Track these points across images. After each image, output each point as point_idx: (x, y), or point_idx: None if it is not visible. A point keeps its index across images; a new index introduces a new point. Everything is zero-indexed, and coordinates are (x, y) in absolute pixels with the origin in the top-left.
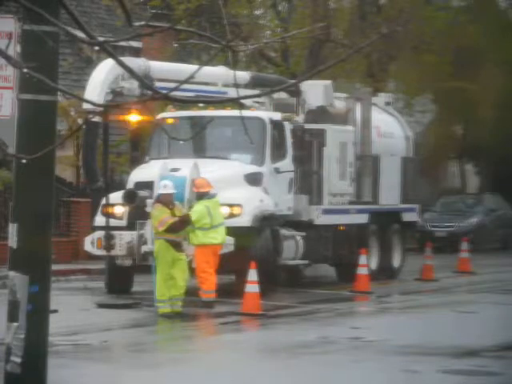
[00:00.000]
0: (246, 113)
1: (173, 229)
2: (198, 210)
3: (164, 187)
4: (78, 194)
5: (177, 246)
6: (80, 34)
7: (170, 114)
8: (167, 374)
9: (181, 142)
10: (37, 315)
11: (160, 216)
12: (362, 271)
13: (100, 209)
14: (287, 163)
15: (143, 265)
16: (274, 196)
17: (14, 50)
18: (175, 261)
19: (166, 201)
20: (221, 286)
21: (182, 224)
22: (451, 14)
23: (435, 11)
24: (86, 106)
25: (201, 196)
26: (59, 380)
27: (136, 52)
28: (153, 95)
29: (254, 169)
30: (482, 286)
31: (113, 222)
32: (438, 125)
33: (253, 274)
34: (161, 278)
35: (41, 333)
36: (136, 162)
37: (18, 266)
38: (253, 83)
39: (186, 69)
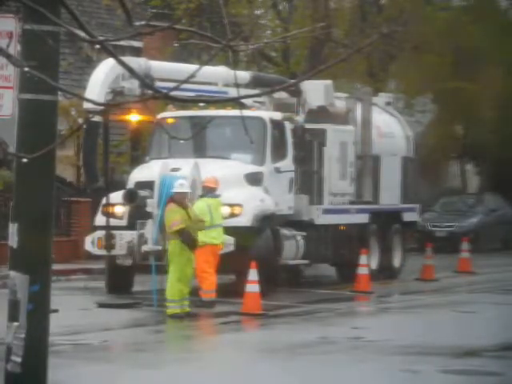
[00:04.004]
0: (246, 112)
1: (181, 235)
2: (199, 207)
3: (179, 186)
4: (79, 194)
5: (191, 247)
6: (81, 34)
7: (170, 114)
8: (167, 373)
9: (181, 142)
10: (37, 315)
11: (173, 216)
12: (363, 271)
13: (100, 208)
14: (288, 163)
15: (143, 264)
16: (274, 196)
17: (15, 49)
18: (189, 260)
19: (180, 200)
20: (221, 285)
21: (190, 240)
22: (451, 13)
23: (435, 11)
24: (86, 105)
25: (205, 192)
26: (59, 380)
27: (136, 52)
28: (153, 95)
29: (254, 168)
30: (482, 286)
31: (113, 222)
32: (439, 125)
33: (253, 274)
34: (174, 278)
35: (41, 332)
36: (136, 161)
37: (19, 265)
38: (253, 83)
39: (186, 68)
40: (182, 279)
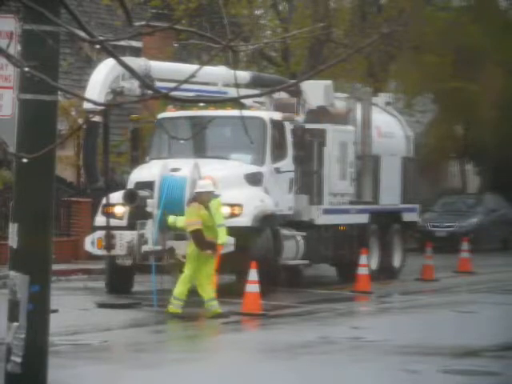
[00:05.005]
0: (246, 113)
1: (194, 237)
2: None
3: (206, 185)
4: (79, 194)
5: (211, 247)
6: (81, 34)
7: (170, 114)
8: (167, 374)
9: (181, 142)
10: (37, 315)
11: (191, 216)
12: (363, 271)
13: (100, 209)
14: (287, 163)
15: (143, 265)
16: (274, 196)
17: (15, 49)
18: (207, 261)
19: (203, 199)
20: (221, 285)
21: (202, 242)
22: (452, 13)
23: (436, 11)
24: (86, 105)
25: None
26: (59, 380)
27: (136, 52)
28: (153, 95)
29: (254, 169)
30: (482, 286)
31: (113, 222)
32: (439, 125)
33: (253, 274)
34: (187, 278)
35: (41, 332)
36: (136, 162)
37: (19, 265)
38: (253, 83)
39: (186, 69)
40: (193, 280)
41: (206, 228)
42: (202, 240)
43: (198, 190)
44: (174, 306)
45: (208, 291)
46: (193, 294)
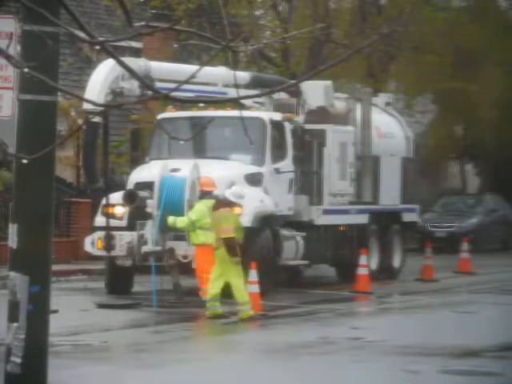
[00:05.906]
0: (246, 113)
1: (231, 247)
2: (198, 210)
3: (237, 195)
4: (79, 195)
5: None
6: (80, 34)
7: (170, 115)
8: (167, 374)
9: (181, 143)
10: (37, 315)
11: (230, 223)
12: (362, 271)
13: (100, 209)
14: (287, 163)
15: (143, 265)
16: (274, 196)
17: (15, 50)
18: (236, 264)
19: (235, 206)
20: None
21: (235, 249)
22: (451, 14)
23: (435, 11)
24: (86, 106)
25: (203, 195)
26: (59, 380)
27: (136, 52)
28: (153, 95)
29: (254, 169)
30: (482, 286)
31: (113, 223)
32: (439, 125)
33: (253, 274)
34: (240, 282)
35: (41, 333)
36: (136, 162)
37: (19, 266)
38: (253, 83)
39: (186, 69)
40: (233, 282)
41: (236, 231)
42: (236, 247)
43: (233, 198)
44: (244, 311)
45: (245, 294)
46: (194, 294)
